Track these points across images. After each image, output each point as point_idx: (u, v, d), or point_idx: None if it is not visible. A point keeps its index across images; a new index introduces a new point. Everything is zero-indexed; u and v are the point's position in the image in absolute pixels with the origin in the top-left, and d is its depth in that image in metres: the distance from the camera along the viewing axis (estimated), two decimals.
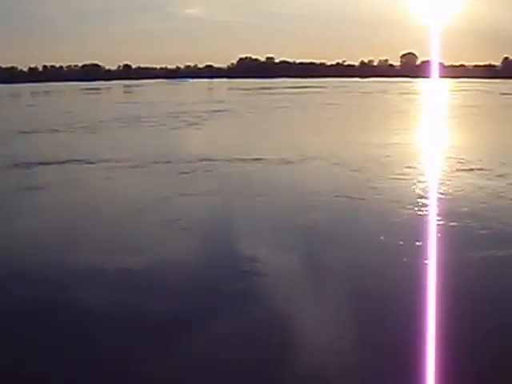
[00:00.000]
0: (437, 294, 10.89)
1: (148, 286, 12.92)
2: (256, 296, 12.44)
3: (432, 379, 7.49)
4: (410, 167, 27.75)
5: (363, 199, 21.25)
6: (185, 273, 13.89)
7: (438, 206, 19.80)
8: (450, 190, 22.41)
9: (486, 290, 12.43)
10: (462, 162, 29.03)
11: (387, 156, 31.57)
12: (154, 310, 11.61)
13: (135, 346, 10.05)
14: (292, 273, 13.58)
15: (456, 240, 15.90)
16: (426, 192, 22.13)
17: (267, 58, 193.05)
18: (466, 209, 19.48)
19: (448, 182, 24.03)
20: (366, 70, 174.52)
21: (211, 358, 9.55)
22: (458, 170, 27.28)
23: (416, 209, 19.43)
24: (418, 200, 20.65)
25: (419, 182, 24.30)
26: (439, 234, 16.12)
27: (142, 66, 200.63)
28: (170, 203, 21.25)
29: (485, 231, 16.79)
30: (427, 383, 7.46)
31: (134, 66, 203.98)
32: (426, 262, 13.65)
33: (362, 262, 14.51)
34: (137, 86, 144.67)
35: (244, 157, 31.14)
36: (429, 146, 37.03)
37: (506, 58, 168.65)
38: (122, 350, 9.92)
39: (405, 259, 14.24)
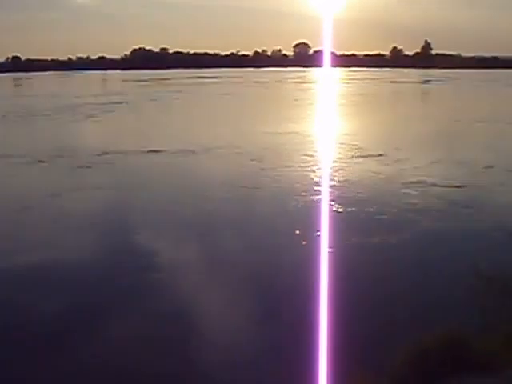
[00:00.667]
0: (330, 279, 11.03)
1: (36, 285, 12.45)
2: (151, 290, 12.26)
3: (324, 363, 7.60)
4: (307, 155, 28.24)
5: (261, 188, 21.43)
6: (72, 270, 13.45)
7: (334, 193, 20.25)
8: (346, 177, 23.00)
9: (380, 275, 12.82)
10: (357, 149, 29.87)
11: (285, 144, 32.01)
12: (43, 308, 11.20)
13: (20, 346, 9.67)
14: (188, 264, 13.46)
15: (351, 226, 16.31)
16: (323, 179, 22.60)
17: (161, 49, 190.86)
18: (361, 195, 20.06)
19: (343, 169, 24.64)
20: (260, 60, 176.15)
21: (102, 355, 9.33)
22: (353, 156, 28.04)
23: (312, 196, 19.79)
24: (315, 187, 21.06)
25: (316, 169, 24.77)
26: (335, 221, 16.47)
27: (32, 57, 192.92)
28: (62, 198, 20.53)
29: (379, 216, 17.36)
30: (319, 365, 7.55)
31: (23, 58, 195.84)
32: (321, 249, 13.85)
33: (256, 251, 14.56)
34: (28, 78, 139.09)
35: (143, 149, 30.60)
36: (325, 134, 37.83)
37: (395, 48, 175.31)
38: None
39: (300, 247, 14.46)
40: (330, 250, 13.79)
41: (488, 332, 8.45)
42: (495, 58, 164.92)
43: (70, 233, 16.37)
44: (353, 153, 28.92)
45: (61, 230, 16.81)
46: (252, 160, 27.14)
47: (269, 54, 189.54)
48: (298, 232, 15.58)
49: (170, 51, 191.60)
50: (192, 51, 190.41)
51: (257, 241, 15.30)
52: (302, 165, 25.65)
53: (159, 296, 11.93)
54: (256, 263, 13.61)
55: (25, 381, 8.78)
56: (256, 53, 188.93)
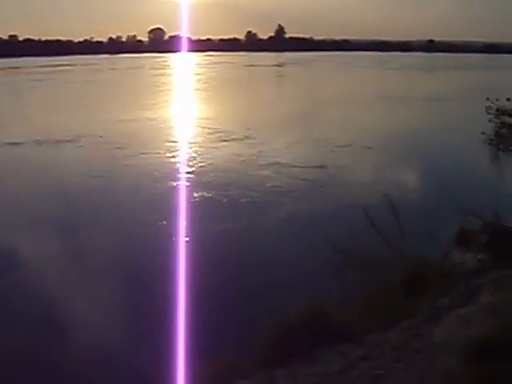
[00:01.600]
0: (189, 267, 11.08)
1: None
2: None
3: (183, 351, 7.65)
4: (168, 141, 28.08)
5: (119, 176, 21.00)
6: None
7: (195, 179, 20.29)
8: (207, 161, 23.11)
9: (241, 259, 13.06)
10: (217, 133, 30.07)
11: (146, 131, 31.57)
12: None
13: None
14: (43, 258, 12.97)
15: (212, 212, 16.45)
16: (183, 165, 22.54)
17: (10, 36, 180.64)
18: (222, 179, 20.27)
19: (204, 154, 24.74)
20: (115, 46, 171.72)
21: None
22: (214, 140, 28.21)
23: (173, 183, 19.73)
24: (175, 174, 20.99)
25: (177, 155, 24.68)
26: (196, 208, 16.55)
27: None
28: None
29: (242, 200, 17.65)
30: (179, 354, 7.59)
31: None
32: (180, 238, 13.86)
33: (114, 243, 14.25)
34: None
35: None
36: (186, 119, 37.70)
37: (250, 32, 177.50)
38: None
39: (158, 236, 14.32)
40: (190, 238, 13.83)
41: (347, 303, 8.88)
42: (346, 41, 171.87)
43: None
44: (214, 137, 29.10)
45: None
46: (110, 148, 26.52)
47: (124, 40, 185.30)
48: (156, 221, 15.42)
49: (20, 38, 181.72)
50: (44, 38, 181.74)
51: (115, 232, 14.94)
52: (162, 151, 25.46)
53: (15, 292, 11.43)
54: (114, 255, 13.32)
55: None
56: (111, 39, 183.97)
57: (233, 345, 7.12)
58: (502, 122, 7.84)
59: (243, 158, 23.84)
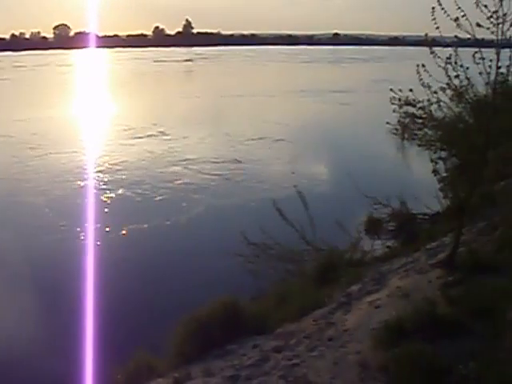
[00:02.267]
0: (98, 269, 10.89)
1: None
2: None
3: (91, 352, 7.54)
4: (78, 140, 27.31)
5: (26, 178, 20.22)
6: None
7: (107, 178, 19.84)
8: (118, 160, 22.65)
9: (154, 257, 12.91)
10: (128, 130, 29.53)
11: (56, 130, 30.56)
12: None
13: None
14: None
15: (124, 212, 16.10)
16: (94, 164, 21.96)
17: None
18: (135, 177, 19.91)
19: (115, 151, 24.24)
20: (17, 43, 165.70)
21: None
22: (124, 138, 27.69)
23: (83, 183, 19.20)
24: (85, 174, 20.41)
25: (87, 154, 24.00)
26: (105, 207, 16.22)
27: None
28: None
29: (155, 199, 17.42)
30: (88, 356, 7.47)
31: None
32: (89, 239, 13.52)
33: (20, 247, 13.65)
34: None
35: None
36: (97, 117, 36.77)
37: (157, 28, 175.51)
38: None
39: (66, 239, 13.88)
40: (100, 238, 13.53)
41: (260, 296, 8.95)
42: (253, 35, 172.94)
43: None
44: (125, 134, 28.61)
45: None
46: (17, 148, 25.46)
47: (27, 36, 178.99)
48: (64, 224, 14.93)
49: None
50: None
51: (21, 236, 14.32)
52: (72, 150, 24.69)
53: None
54: (20, 260, 12.78)
55: None
56: (13, 36, 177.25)
57: (147, 344, 7.02)
58: (405, 112, 8.09)
59: (155, 155, 23.56)
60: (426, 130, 7.64)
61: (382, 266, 8.53)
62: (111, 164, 21.93)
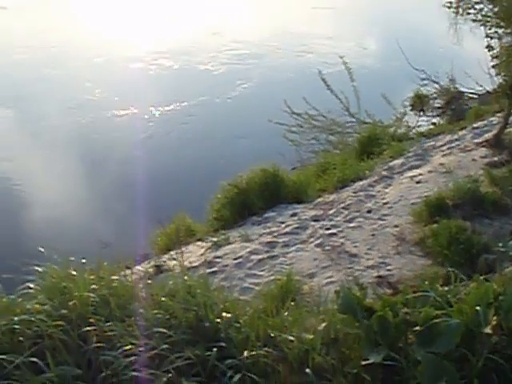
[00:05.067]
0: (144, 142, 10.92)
1: None
2: None
3: None
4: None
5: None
6: None
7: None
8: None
9: None
10: None
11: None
12: None
13: None
14: None
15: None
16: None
17: None
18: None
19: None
20: None
21: None
22: None
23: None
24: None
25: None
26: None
27: None
28: None
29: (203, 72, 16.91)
30: None
31: None
32: (139, 113, 13.35)
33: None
34: None
35: None
36: None
37: None
38: None
39: (119, 115, 13.54)
40: (147, 113, 13.32)
41: (301, 165, 8.95)
42: None
43: None
44: None
45: None
46: None
47: None
48: (116, 99, 14.57)
49: None
50: None
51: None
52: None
53: None
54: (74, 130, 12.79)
55: None
56: None
57: (188, 209, 7.14)
58: None
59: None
60: (482, 4, 7.22)
61: (426, 142, 8.37)
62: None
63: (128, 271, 3.42)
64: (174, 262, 5.21)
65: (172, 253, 5.65)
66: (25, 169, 10.96)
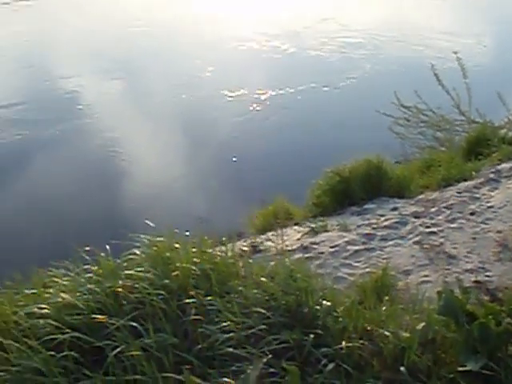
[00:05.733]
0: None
1: None
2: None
3: None
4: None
5: None
6: None
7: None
8: None
9: None
10: None
11: None
12: None
13: None
14: None
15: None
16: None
17: None
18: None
19: None
20: None
21: None
22: None
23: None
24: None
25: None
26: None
27: None
28: None
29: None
30: None
31: None
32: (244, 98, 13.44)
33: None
34: None
35: None
36: None
37: None
38: None
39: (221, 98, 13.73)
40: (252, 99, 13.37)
41: (406, 159, 8.78)
42: None
43: None
44: None
45: None
46: None
47: None
48: (221, 85, 14.73)
49: None
50: None
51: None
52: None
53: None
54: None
55: None
56: None
57: (288, 192, 7.18)
58: None
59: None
60: None
61: None
62: None
63: (229, 246, 3.52)
64: (271, 243, 5.28)
65: (269, 234, 5.71)
66: (126, 141, 11.37)
